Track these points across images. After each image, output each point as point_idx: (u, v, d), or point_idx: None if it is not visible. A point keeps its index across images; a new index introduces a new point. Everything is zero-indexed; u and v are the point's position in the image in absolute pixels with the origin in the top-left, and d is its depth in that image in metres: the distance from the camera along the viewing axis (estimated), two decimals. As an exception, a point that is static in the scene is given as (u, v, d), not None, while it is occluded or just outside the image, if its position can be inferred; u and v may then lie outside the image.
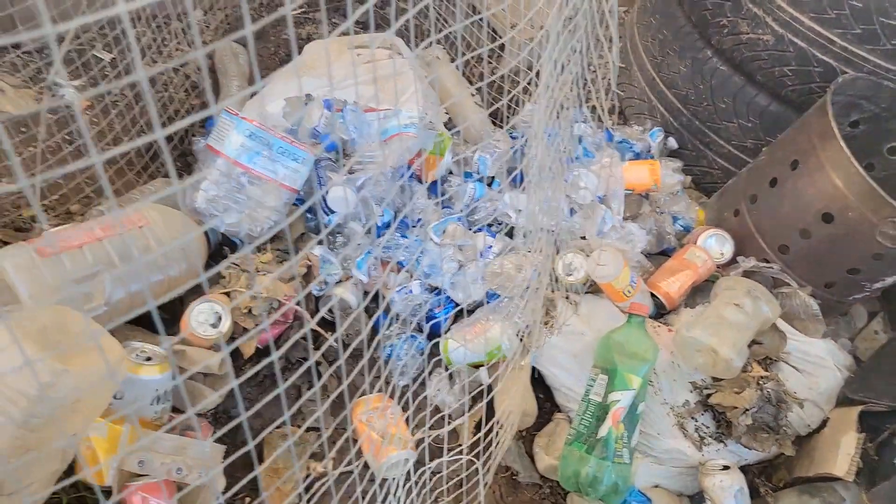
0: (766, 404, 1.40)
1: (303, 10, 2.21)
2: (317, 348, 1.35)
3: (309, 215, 1.55)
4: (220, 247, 1.44)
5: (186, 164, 1.73)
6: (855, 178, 1.41)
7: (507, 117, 1.82)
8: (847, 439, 1.45)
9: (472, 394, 1.52)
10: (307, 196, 1.54)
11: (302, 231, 1.53)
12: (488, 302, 1.53)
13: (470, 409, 1.49)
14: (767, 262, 1.64)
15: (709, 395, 1.44)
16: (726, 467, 1.38)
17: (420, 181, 1.67)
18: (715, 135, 1.96)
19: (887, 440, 1.45)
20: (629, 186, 1.78)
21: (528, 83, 1.28)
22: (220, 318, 1.21)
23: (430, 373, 1.48)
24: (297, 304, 1.30)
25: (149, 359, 1.12)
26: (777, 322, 1.54)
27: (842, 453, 1.43)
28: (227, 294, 1.26)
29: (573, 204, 1.67)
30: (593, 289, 1.59)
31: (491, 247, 1.55)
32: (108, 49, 1.78)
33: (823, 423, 1.53)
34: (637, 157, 1.93)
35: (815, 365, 1.55)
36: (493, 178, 1.75)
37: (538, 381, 1.56)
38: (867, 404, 1.48)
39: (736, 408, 1.39)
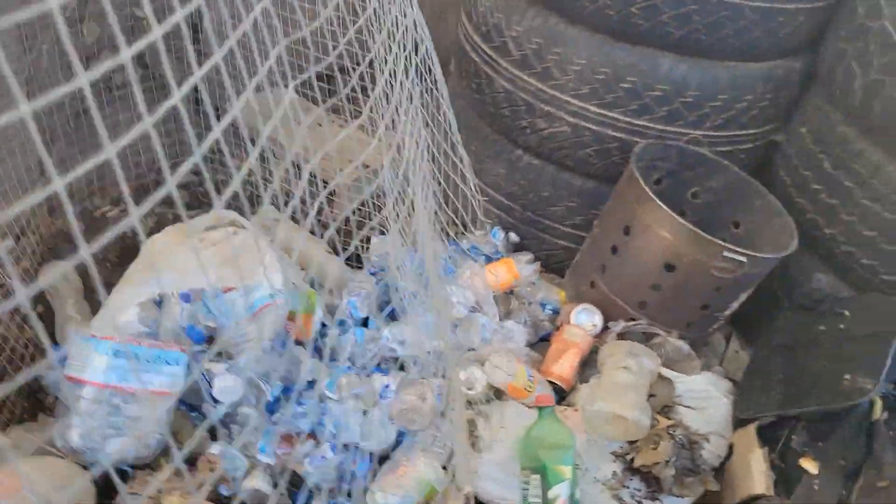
0: (682, 450, 1.50)
1: (119, 208, 2.16)
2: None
3: (193, 414, 1.47)
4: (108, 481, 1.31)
5: (37, 402, 1.58)
6: (679, 228, 1.61)
7: (360, 257, 1.88)
8: (755, 457, 1.57)
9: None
10: (184, 394, 1.46)
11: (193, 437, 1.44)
12: (401, 441, 1.51)
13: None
14: (634, 319, 1.78)
15: (632, 460, 1.50)
16: (670, 523, 1.44)
17: (300, 344, 1.65)
18: (548, 220, 2.14)
19: (786, 446, 1.59)
20: (493, 288, 1.88)
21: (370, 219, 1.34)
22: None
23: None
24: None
25: None
26: (661, 371, 1.67)
27: (755, 471, 1.55)
28: (135, 528, 1.15)
29: (451, 320, 1.73)
30: (497, 395, 1.63)
31: (388, 385, 1.56)
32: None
33: (730, 450, 1.65)
34: (488, 259, 2.05)
35: (704, 399, 1.68)
36: (366, 318, 1.77)
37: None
38: (758, 420, 1.63)
39: (657, 463, 1.47)
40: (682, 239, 1.62)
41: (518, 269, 1.93)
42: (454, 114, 2.34)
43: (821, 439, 1.55)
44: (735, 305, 1.78)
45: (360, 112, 1.22)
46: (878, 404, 1.55)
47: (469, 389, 1.58)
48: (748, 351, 2.06)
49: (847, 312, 1.71)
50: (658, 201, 1.64)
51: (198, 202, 2.27)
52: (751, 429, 1.62)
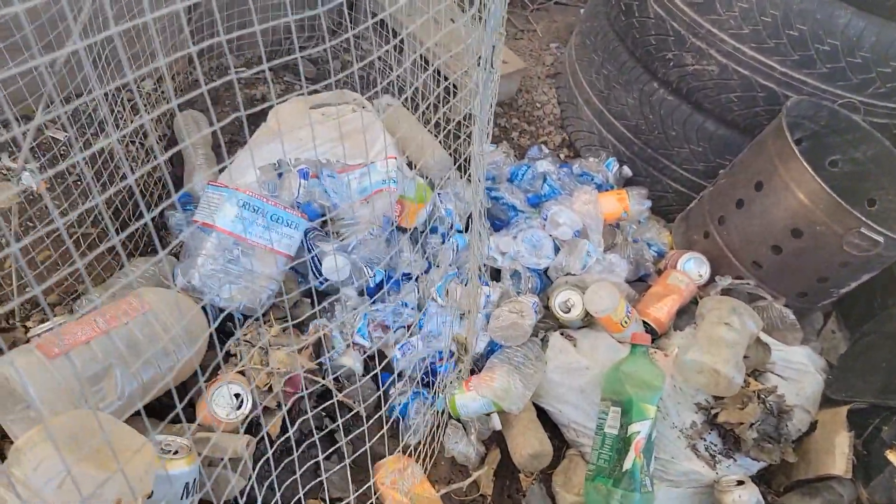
0: (769, 416, 1.47)
1: (253, 71, 2.18)
2: (329, 416, 1.32)
3: (301, 281, 1.52)
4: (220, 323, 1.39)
5: (160, 240, 1.66)
6: (820, 194, 1.52)
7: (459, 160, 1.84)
8: (840, 439, 1.53)
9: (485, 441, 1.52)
10: (296, 263, 1.51)
11: (297, 299, 1.49)
12: (492, 351, 1.54)
13: (485, 458, 1.49)
14: (742, 278, 1.73)
15: (715, 415, 1.49)
16: (741, 482, 1.43)
17: (402, 230, 1.67)
18: (667, 161, 2.06)
19: (873, 435, 1.55)
20: (603, 217, 1.84)
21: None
22: (241, 400, 1.16)
23: (444, 426, 1.47)
24: (315, 374, 1.27)
25: (175, 452, 1.06)
26: (760, 335, 1.62)
27: (838, 453, 1.51)
28: (242, 373, 1.21)
29: (556, 241, 1.71)
30: (587, 322, 1.63)
31: (489, 295, 1.57)
32: (62, 129, 1.70)
33: (812, 426, 1.61)
34: (599, 188, 2.00)
35: (798, 371, 1.64)
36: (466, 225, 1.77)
37: (543, 419, 1.57)
38: (852, 403, 1.58)
39: (742, 423, 1.45)
40: (819, 205, 1.53)
41: (630, 203, 1.88)
42: (592, 31, 2.24)
43: (914, 436, 1.50)
44: (854, 284, 1.69)
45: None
46: None
47: (565, 313, 1.58)
48: (844, 332, 1.98)
49: (974, 315, 1.61)
50: (803, 161, 1.54)
51: (324, 78, 2.27)
52: (842, 411, 1.57)
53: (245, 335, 1.25)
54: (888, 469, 1.47)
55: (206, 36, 1.96)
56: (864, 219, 1.49)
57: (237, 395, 1.16)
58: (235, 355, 1.24)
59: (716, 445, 1.49)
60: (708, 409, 1.51)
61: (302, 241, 1.46)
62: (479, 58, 1.17)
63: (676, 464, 1.46)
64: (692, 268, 1.75)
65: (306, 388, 1.34)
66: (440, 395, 1.43)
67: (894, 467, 1.47)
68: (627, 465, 1.34)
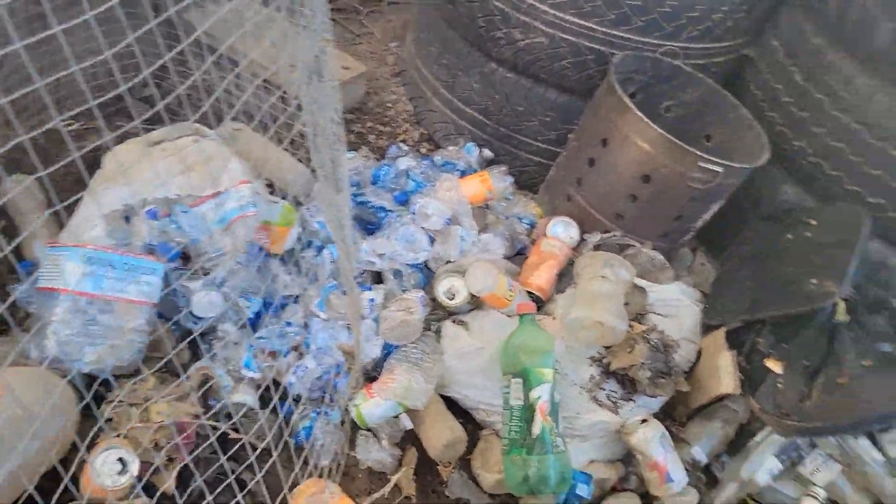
0: (656, 353, 1.55)
1: (79, 123, 2.05)
2: (233, 460, 1.26)
3: (174, 328, 1.45)
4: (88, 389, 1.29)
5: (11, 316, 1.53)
6: (659, 140, 1.62)
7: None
8: (724, 360, 1.64)
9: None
10: (163, 308, 1.43)
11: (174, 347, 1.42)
12: (389, 354, 1.53)
13: (402, 459, 1.48)
14: (608, 231, 1.81)
15: (608, 364, 1.55)
16: (644, 421, 1.50)
17: (274, 257, 1.63)
18: (521, 136, 2.13)
19: (751, 349, 1.67)
20: (468, 200, 1.87)
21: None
22: (125, 463, 1.09)
23: (349, 438, 1.45)
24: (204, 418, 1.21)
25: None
26: (635, 281, 1.70)
27: (724, 373, 1.62)
28: (120, 435, 1.14)
29: (429, 233, 1.72)
30: (475, 305, 1.65)
31: (372, 299, 1.55)
32: None
33: (698, 354, 1.72)
34: (464, 174, 2.03)
35: (676, 307, 1.73)
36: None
37: (453, 408, 1.57)
38: (727, 325, 1.69)
39: (634, 365, 1.52)
40: (659, 149, 1.63)
41: (493, 182, 1.92)
42: (426, 24, 2.27)
43: (785, 341, 1.63)
44: (707, 217, 1.81)
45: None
46: (842, 307, 1.62)
47: (450, 300, 1.59)
48: (713, 263, 2.13)
49: (813, 221, 1.77)
50: (637, 111, 1.63)
51: (161, 116, 2.17)
52: (719, 333, 1.68)
53: (121, 395, 1.17)
54: (770, 376, 1.58)
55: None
56: (701, 154, 1.60)
57: (121, 460, 1.09)
58: (112, 419, 1.16)
59: (615, 392, 1.55)
60: (601, 360, 1.57)
61: (165, 285, 1.39)
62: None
63: (582, 418, 1.51)
64: (561, 231, 1.81)
65: (200, 435, 1.28)
66: (338, 408, 1.41)
67: (774, 374, 1.59)
68: (536, 430, 1.36)
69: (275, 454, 1.10)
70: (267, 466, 1.20)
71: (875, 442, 1.59)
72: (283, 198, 1.76)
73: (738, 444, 1.61)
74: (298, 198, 1.81)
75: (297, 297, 1.59)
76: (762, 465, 1.54)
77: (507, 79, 2.04)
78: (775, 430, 1.55)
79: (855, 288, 1.69)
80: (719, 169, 1.61)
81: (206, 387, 1.28)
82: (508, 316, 1.61)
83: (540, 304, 1.71)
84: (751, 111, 1.88)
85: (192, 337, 1.16)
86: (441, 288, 1.59)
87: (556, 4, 1.82)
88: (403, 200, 1.91)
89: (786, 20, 1.89)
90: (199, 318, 1.42)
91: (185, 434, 1.19)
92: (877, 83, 1.64)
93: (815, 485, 1.55)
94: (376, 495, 1.37)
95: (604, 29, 1.83)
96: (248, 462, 1.09)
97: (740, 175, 1.69)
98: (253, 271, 1.48)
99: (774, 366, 1.59)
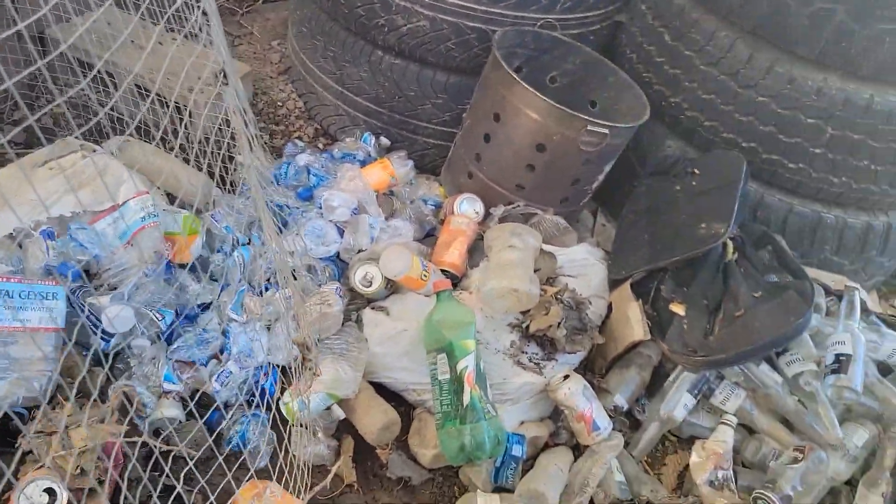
0: (570, 311, 1.62)
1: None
2: (169, 475, 1.23)
3: (85, 352, 1.39)
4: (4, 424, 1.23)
5: None
6: (548, 109, 1.68)
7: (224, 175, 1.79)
8: (632, 311, 1.73)
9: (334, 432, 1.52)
10: (71, 331, 1.37)
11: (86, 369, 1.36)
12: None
13: (340, 449, 1.50)
14: (512, 203, 1.87)
15: (527, 328, 1.61)
16: (567, 376, 1.57)
17: (182, 267, 1.59)
18: (416, 120, 2.16)
19: (656, 296, 1.77)
20: (372, 188, 1.88)
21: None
22: (53, 493, 1.05)
23: (288, 437, 1.44)
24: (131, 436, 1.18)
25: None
26: (542, 247, 1.77)
27: (634, 322, 1.71)
28: (43, 466, 1.09)
29: (338, 225, 1.73)
30: (392, 289, 1.67)
31: (289, 297, 1.55)
32: None
33: (609, 309, 1.81)
34: (363, 164, 2.04)
35: (584, 266, 1.82)
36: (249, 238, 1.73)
37: (384, 392, 1.59)
38: (632, 277, 1.79)
39: (551, 326, 1.59)
40: (549, 118, 1.70)
41: (394, 168, 1.94)
42: (305, 18, 2.25)
43: (685, 285, 1.74)
44: (601, 178, 1.91)
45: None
46: (730, 246, 1.75)
47: (367, 287, 1.61)
48: (612, 222, 2.24)
49: (697, 171, 1.89)
50: (524, 84, 1.69)
51: (49, 136, 2.06)
52: (626, 286, 1.78)
53: (38, 426, 1.12)
54: (675, 319, 1.69)
55: None
56: (588, 119, 1.68)
57: (48, 490, 1.05)
58: (32, 451, 1.11)
59: (537, 354, 1.62)
60: (519, 325, 1.63)
61: (70, 307, 1.33)
62: (219, 73, 1.15)
63: (509, 382, 1.57)
64: (467, 208, 1.86)
65: (128, 454, 1.24)
66: (269, 409, 1.40)
67: (679, 316, 1.70)
68: (466, 400, 1.41)
69: (219, 461, 1.08)
70: (207, 477, 1.19)
71: (774, 366, 1.73)
72: (183, 207, 1.72)
73: (654, 386, 1.71)
74: (199, 206, 1.77)
75: (209, 304, 1.56)
76: (678, 402, 1.64)
77: (394, 65, 2.06)
78: (686, 368, 1.66)
79: (740, 227, 1.83)
80: (606, 131, 1.69)
81: (132, 406, 1.25)
82: (426, 296, 1.64)
83: (455, 280, 1.75)
84: (629, 74, 1.99)
85: (106, 357, 1.12)
86: (357, 276, 1.61)
87: (433, -13, 1.85)
88: (307, 196, 1.90)
89: (650, -16, 2.00)
90: (111, 336, 1.37)
91: (111, 455, 1.15)
92: (735, 34, 1.77)
93: (726, 412, 1.68)
94: (318, 487, 1.38)
95: (482, 7, 1.88)
96: (184, 471, 1.07)
97: (626, 134, 1.79)
98: (161, 283, 1.45)
99: (678, 309, 1.70)
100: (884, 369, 1.85)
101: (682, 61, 1.90)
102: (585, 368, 1.75)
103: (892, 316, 2.06)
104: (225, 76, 1.36)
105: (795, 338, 1.63)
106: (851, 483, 1.68)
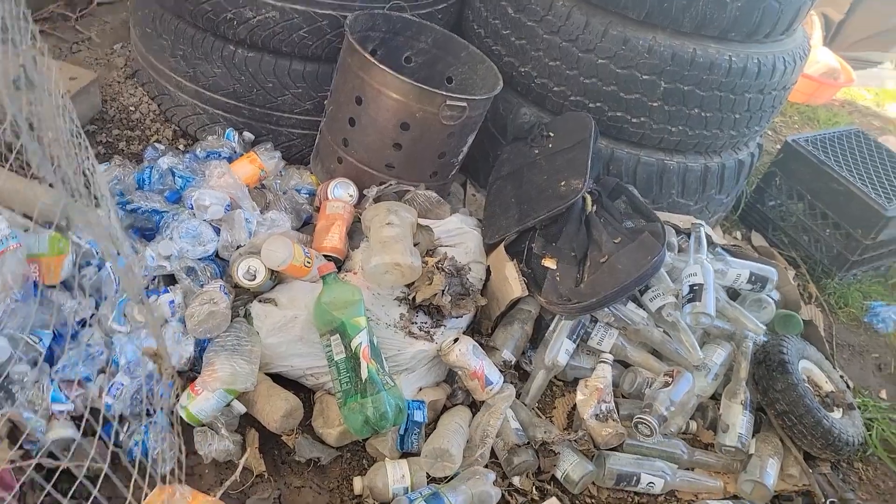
0: (452, 278, 1.71)
1: None
2: (73, 497, 1.20)
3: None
4: None
5: None
6: (407, 88, 1.75)
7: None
8: (509, 270, 1.84)
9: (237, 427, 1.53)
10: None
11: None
12: (202, 350, 1.52)
13: (245, 442, 1.51)
14: (384, 182, 1.92)
15: (413, 299, 1.68)
16: (456, 339, 1.65)
17: (52, 287, 1.52)
18: (278, 112, 2.15)
19: (529, 254, 1.89)
20: (244, 183, 1.87)
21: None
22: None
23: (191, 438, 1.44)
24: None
25: None
26: (419, 221, 1.84)
27: (512, 280, 1.82)
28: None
29: (213, 223, 1.71)
30: (278, 280, 1.69)
31: (172, 301, 1.53)
32: None
33: (488, 272, 1.91)
34: (229, 160, 2.02)
35: (459, 235, 1.91)
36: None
37: (281, 382, 1.61)
38: (504, 240, 1.90)
39: (435, 294, 1.66)
40: (410, 97, 1.76)
41: (262, 160, 1.94)
42: (148, 18, 2.18)
43: (553, 240, 1.87)
44: (465, 149, 2.00)
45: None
46: (589, 199, 1.90)
47: (251, 280, 1.61)
48: (482, 192, 2.34)
49: (551, 133, 2.03)
50: (381, 66, 1.74)
51: None
52: (500, 249, 1.89)
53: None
54: (548, 273, 1.82)
55: None
56: (446, 94, 1.76)
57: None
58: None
59: (426, 322, 1.69)
60: (406, 297, 1.70)
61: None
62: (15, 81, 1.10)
63: (403, 353, 1.63)
64: (341, 192, 1.90)
65: (20, 480, 1.20)
66: (165, 414, 1.39)
67: (552, 270, 1.82)
68: (364, 374, 1.46)
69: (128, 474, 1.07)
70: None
71: (639, 303, 1.91)
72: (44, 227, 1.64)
73: (537, 337, 1.84)
74: (60, 223, 1.69)
75: (87, 320, 1.51)
76: (560, 348, 1.77)
77: (249, 58, 2.04)
78: (563, 317, 1.79)
79: (596, 181, 1.98)
80: (464, 104, 1.78)
81: (22, 433, 1.20)
82: (312, 282, 1.67)
83: (339, 263, 1.78)
84: (480, 48, 2.09)
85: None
86: (240, 271, 1.61)
87: (273, -25, 1.85)
88: (175, 198, 1.86)
89: (487, -39, 2.10)
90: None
91: (4, 483, 1.11)
92: (572, 2, 1.91)
93: (602, 351, 1.84)
94: (228, 482, 1.39)
95: (339, -7, 1.90)
96: (93, 493, 1.05)
97: (483, 106, 1.88)
98: (33, 306, 1.38)
99: (550, 263, 1.83)
100: (732, 294, 2.09)
101: (526, 32, 2.02)
102: (473, 330, 1.85)
103: (735, 246, 2.31)
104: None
105: (654, 274, 1.80)
106: (715, 397, 1.90)
